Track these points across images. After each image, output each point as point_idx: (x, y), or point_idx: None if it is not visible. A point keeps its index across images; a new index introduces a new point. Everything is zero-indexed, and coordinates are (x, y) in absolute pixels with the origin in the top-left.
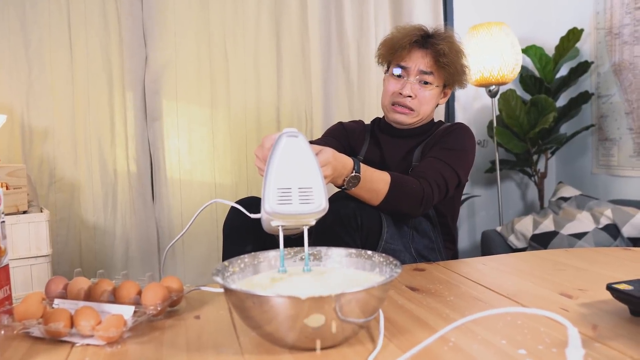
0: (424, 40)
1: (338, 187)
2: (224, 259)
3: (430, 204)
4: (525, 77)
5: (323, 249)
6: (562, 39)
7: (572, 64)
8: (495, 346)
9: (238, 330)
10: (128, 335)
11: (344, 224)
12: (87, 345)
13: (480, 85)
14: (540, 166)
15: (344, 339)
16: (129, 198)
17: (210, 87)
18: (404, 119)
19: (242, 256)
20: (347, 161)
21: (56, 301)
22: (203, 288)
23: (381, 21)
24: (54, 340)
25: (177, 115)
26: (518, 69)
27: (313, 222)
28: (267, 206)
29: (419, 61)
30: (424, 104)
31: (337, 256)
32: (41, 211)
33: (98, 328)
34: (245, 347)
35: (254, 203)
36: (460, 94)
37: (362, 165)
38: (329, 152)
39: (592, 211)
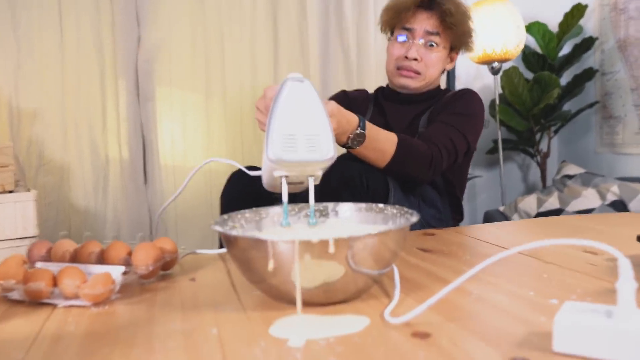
0: (429, 1)
1: (342, 145)
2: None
3: (439, 168)
4: (528, 54)
5: (330, 205)
6: (566, 15)
7: (576, 41)
8: (523, 297)
9: (238, 290)
10: (116, 296)
11: (349, 185)
12: (71, 306)
13: (483, 63)
14: (543, 146)
15: (356, 292)
16: (120, 182)
17: (205, 69)
18: (410, 83)
19: (242, 211)
20: (351, 117)
21: (38, 264)
22: (199, 251)
23: (380, 3)
24: (35, 303)
25: (170, 97)
26: (522, 46)
27: (320, 173)
28: (270, 153)
29: (424, 22)
30: (430, 66)
31: (345, 211)
32: (28, 191)
33: (83, 286)
34: (247, 304)
35: (251, 170)
36: (461, 72)
37: (367, 123)
38: (333, 105)
39: (598, 188)
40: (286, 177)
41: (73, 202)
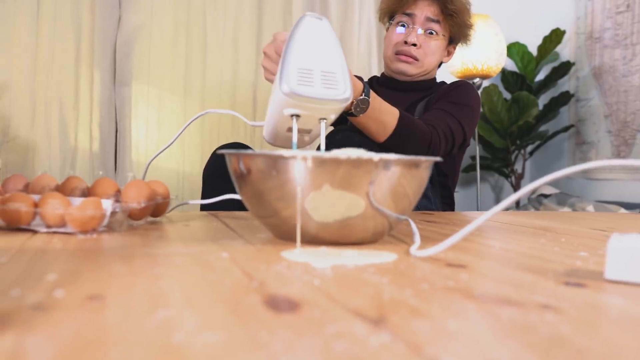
0: None
1: (344, 112)
2: (202, 207)
3: (436, 152)
4: (507, 74)
5: None
6: (545, 39)
7: (553, 65)
8: (550, 250)
9: (240, 233)
10: (103, 229)
11: None
12: (55, 233)
13: (464, 78)
14: (517, 167)
15: (373, 235)
16: (89, 166)
17: (186, 56)
18: (408, 69)
19: (247, 150)
20: (357, 82)
21: None
22: (192, 202)
23: (365, 9)
24: (12, 229)
25: (148, 82)
26: (502, 64)
27: (333, 117)
28: (284, 86)
29: (425, 9)
30: (429, 54)
31: None
32: None
33: (70, 209)
34: (254, 241)
35: (238, 147)
36: None
37: (371, 91)
38: None
39: (574, 207)
40: (297, 117)
41: None
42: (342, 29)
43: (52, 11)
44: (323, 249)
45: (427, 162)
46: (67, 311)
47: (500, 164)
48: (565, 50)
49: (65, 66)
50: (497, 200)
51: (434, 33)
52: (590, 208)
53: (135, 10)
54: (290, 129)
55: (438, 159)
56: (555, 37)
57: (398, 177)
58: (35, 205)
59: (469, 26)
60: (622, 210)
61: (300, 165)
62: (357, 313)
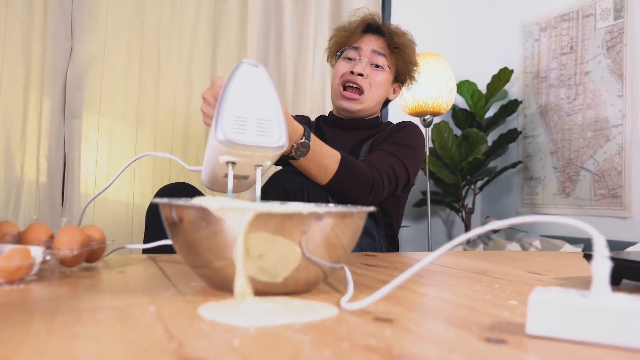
0: (377, 26)
1: (285, 155)
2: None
3: (379, 195)
4: (457, 111)
5: (276, 204)
6: (494, 78)
7: (502, 103)
8: (482, 299)
9: (174, 281)
10: (32, 277)
11: (289, 199)
12: None
13: (414, 114)
14: (468, 202)
15: (306, 285)
16: (35, 199)
17: (139, 88)
18: (352, 106)
19: (185, 200)
20: (297, 126)
21: None
22: (130, 246)
23: (320, 46)
24: None
25: (99, 114)
26: (452, 101)
27: (268, 163)
28: (219, 134)
29: (372, 42)
30: (374, 86)
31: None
32: None
33: None
34: (186, 291)
35: (182, 188)
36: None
37: (312, 135)
38: (283, 107)
39: (521, 242)
40: (232, 164)
41: None
42: (296, 66)
43: (2, 40)
44: (250, 300)
45: (362, 211)
46: None
47: (451, 199)
48: (513, 89)
49: (14, 96)
50: (448, 234)
51: (380, 67)
52: (537, 243)
53: (88, 42)
54: (227, 175)
55: (372, 209)
56: (503, 75)
57: (331, 227)
58: None
59: (413, 63)
60: (567, 245)
61: (229, 217)
62: None
